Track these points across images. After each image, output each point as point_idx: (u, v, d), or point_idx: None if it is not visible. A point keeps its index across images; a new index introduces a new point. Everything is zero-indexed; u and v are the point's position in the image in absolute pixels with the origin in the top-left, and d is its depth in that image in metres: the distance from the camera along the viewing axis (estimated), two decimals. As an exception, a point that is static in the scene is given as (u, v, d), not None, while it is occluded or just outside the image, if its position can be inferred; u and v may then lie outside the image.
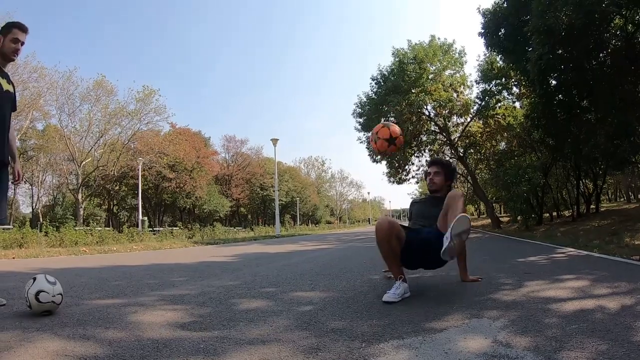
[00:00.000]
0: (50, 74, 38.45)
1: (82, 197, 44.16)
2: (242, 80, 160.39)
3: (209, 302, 4.04)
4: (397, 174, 37.11)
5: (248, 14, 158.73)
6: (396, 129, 4.58)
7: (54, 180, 57.05)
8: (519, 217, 24.13)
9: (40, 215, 48.71)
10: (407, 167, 36.99)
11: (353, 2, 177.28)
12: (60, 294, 3.51)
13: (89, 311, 3.61)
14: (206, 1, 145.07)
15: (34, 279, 3.47)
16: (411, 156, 35.90)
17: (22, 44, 4.16)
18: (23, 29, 4.13)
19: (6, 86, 4.13)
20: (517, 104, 29.37)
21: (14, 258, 10.85)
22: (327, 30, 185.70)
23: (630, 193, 44.81)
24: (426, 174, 4.99)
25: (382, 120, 33.43)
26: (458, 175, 48.62)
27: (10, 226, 22.00)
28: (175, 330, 2.94)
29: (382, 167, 37.07)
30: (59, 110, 41.90)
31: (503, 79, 27.83)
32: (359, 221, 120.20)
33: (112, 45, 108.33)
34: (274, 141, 35.76)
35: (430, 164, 5.11)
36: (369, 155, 36.18)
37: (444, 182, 4.80)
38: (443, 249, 3.71)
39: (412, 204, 5.09)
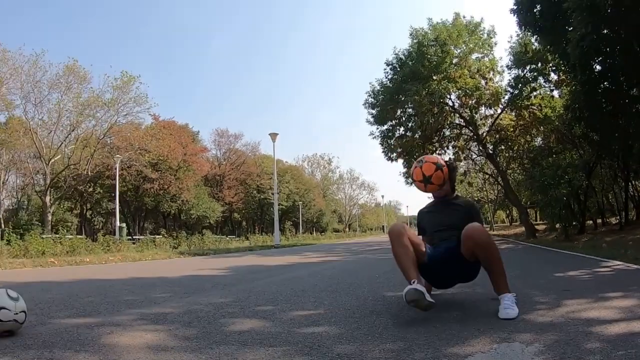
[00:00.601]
0: (13, 58, 38.60)
1: (50, 200, 44.13)
2: (239, 68, 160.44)
3: (196, 322, 4.03)
4: (416, 174, 36.74)
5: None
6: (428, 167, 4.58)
7: (18, 181, 57.17)
8: (557, 225, 23.98)
9: (2, 221, 48.68)
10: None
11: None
12: (24, 312, 3.50)
13: (57, 331, 3.61)
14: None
15: (-6, 294, 3.45)
16: (432, 153, 34.13)
17: None
18: None
19: None
20: (556, 93, 29.24)
21: (-30, 270, 10.90)
22: (337, 10, 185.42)
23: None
24: None
25: (399, 111, 33.43)
26: (487, 176, 48.63)
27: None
28: (156, 354, 2.94)
29: (399, 166, 36.85)
30: (23, 100, 41.86)
31: (539, 64, 27.61)
32: (372, 229, 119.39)
33: (85, 25, 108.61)
34: (273, 136, 35.05)
35: None
36: (382, 152, 36.20)
37: (449, 185, 4.85)
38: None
39: (421, 216, 5.13)
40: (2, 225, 41.39)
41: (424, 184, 4.53)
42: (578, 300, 4.71)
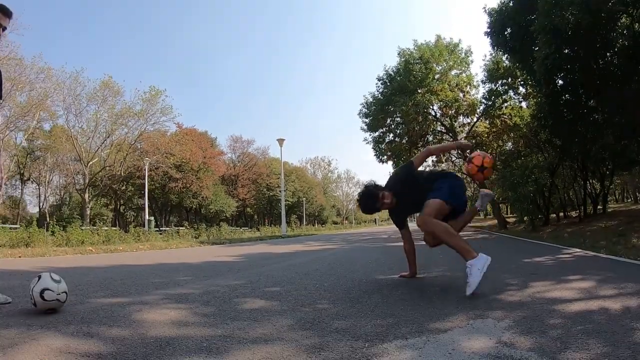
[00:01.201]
0: (57, 75, 38.73)
1: (89, 197, 44.29)
2: (252, 82, 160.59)
3: (213, 301, 4.03)
4: (403, 175, 36.90)
5: (259, 16, 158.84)
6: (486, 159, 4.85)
7: (60, 180, 57.40)
8: (525, 218, 23.98)
9: (47, 215, 48.86)
10: (413, 167, 36.75)
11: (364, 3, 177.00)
12: (65, 292, 3.51)
13: (94, 309, 3.61)
14: (216, 3, 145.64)
15: (39, 277, 3.46)
16: None
17: (4, 28, 3.99)
18: (6, 13, 3.91)
19: None
20: (524, 104, 29.39)
21: (20, 257, 10.88)
22: (338, 34, 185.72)
23: (637, 193, 44.73)
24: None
25: (388, 120, 33.80)
26: (465, 176, 48.57)
27: (17, 225, 22.11)
28: (178, 328, 2.94)
29: (389, 167, 37.11)
30: (66, 111, 42.21)
31: (509, 79, 27.92)
32: (365, 221, 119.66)
33: (119, 46, 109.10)
34: (280, 141, 35.58)
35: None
36: (375, 155, 36.56)
37: None
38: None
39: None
40: (48, 219, 41.45)
41: (478, 170, 4.81)
42: (543, 282, 4.77)
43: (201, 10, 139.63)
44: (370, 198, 5.08)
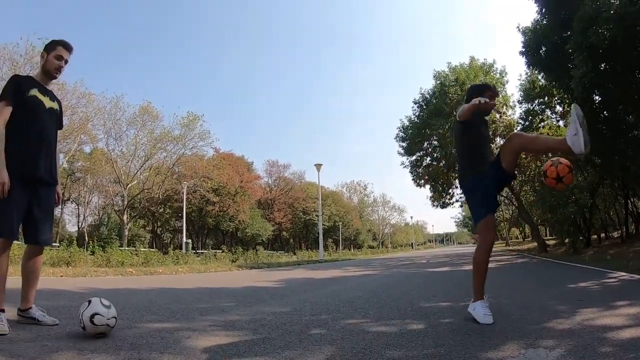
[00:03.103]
0: (98, 100, 39.63)
1: (127, 218, 44.95)
2: (285, 107, 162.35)
3: (261, 328, 4.00)
4: (440, 197, 37.11)
5: (299, 46, 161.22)
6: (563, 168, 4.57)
7: (99, 201, 58.40)
8: (566, 240, 23.59)
9: (86, 235, 49.71)
10: (450, 190, 36.95)
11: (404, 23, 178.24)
12: (115, 317, 3.55)
13: (142, 335, 3.63)
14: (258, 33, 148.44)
15: (89, 301, 3.50)
16: (454, 179, 35.25)
17: (66, 62, 4.21)
18: (68, 47, 4.18)
19: (49, 104, 4.15)
20: (561, 123, 28.82)
21: (62, 276, 11.05)
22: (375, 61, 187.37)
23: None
24: (485, 94, 4.79)
25: (425, 143, 33.72)
26: (503, 198, 48.28)
27: (57, 244, 22.48)
28: (230, 357, 2.92)
29: (426, 191, 37.05)
30: (106, 135, 43.09)
31: (546, 98, 27.36)
32: (402, 245, 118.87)
33: (159, 77, 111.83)
34: (318, 166, 35.95)
35: (488, 87, 5.06)
36: (412, 179, 36.45)
37: None
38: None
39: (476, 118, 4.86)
40: (86, 238, 42.16)
41: (556, 182, 4.52)
42: (591, 309, 4.66)
43: (242, 40, 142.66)
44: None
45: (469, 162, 4.70)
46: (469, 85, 27.31)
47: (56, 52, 4.10)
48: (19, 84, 3.97)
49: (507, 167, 4.40)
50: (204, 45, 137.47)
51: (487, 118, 5.10)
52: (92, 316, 3.40)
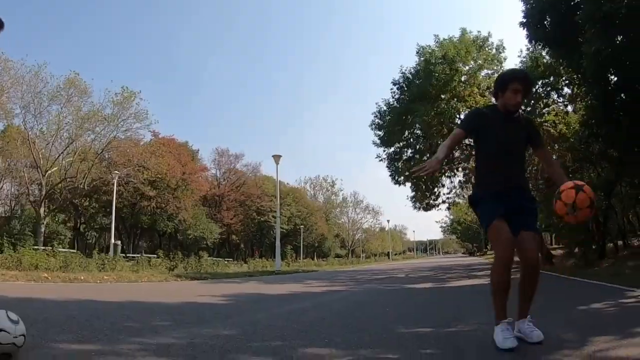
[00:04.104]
0: (15, 68, 39.03)
1: (44, 211, 44.15)
2: (237, 87, 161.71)
3: (201, 356, 3.97)
4: (424, 198, 36.94)
5: (246, 13, 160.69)
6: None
7: (12, 189, 57.23)
8: (576, 250, 23.59)
9: (-6, 229, 48.83)
10: (436, 190, 36.95)
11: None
12: (23, 335, 3.49)
13: (56, 357, 3.60)
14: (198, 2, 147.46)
15: (-7, 314, 3.41)
16: (441, 176, 35.34)
17: None
18: None
19: None
20: (570, 108, 28.42)
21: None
22: (335, 26, 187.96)
23: None
24: (503, 89, 4.64)
25: (406, 132, 33.32)
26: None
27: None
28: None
29: (406, 189, 36.76)
30: (23, 110, 42.18)
31: (551, 78, 26.82)
32: (376, 255, 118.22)
33: (86, 40, 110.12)
34: (276, 158, 34.89)
35: (514, 78, 4.70)
36: (389, 175, 36.13)
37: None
38: None
39: (485, 119, 4.77)
40: (-5, 233, 41.44)
41: (568, 209, 4.19)
42: (605, 337, 4.54)
43: (200, 17, 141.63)
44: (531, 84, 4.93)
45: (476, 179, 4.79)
46: (458, 64, 27.13)
47: None
48: None
49: None
50: (156, 22, 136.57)
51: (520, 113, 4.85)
52: (-4, 333, 3.31)
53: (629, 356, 3.69)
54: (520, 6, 19.11)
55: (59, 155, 44.93)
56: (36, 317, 5.53)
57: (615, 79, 16.08)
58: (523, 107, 29.43)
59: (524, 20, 18.85)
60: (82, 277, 14.72)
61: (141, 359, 3.74)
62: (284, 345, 4.56)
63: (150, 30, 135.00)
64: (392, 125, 33.38)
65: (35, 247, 21.93)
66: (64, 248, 29.21)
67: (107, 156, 47.39)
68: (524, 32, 19.37)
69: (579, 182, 4.26)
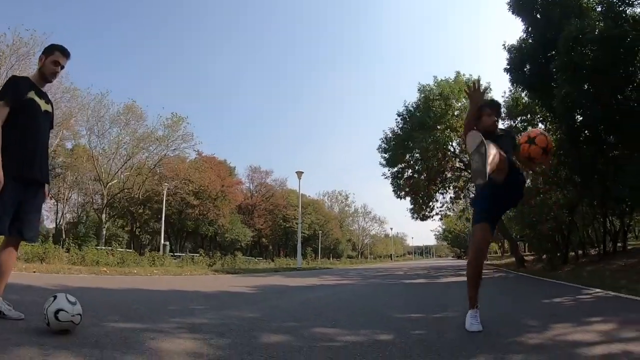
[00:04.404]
0: (82, 96, 39.72)
1: (106, 217, 44.67)
2: (270, 113, 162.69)
3: (228, 333, 3.98)
4: (421, 210, 37.21)
5: (290, 54, 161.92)
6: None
7: (79, 199, 57.76)
8: (544, 256, 23.78)
9: (64, 232, 49.23)
10: (431, 203, 37.22)
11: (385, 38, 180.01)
12: (80, 314, 3.50)
13: (107, 333, 3.59)
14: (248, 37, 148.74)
15: (55, 297, 3.46)
16: (435, 193, 36.31)
17: (62, 67, 4.32)
18: (65, 53, 4.29)
19: (45, 106, 4.25)
20: (544, 141, 28.92)
21: (34, 272, 10.91)
22: (359, 64, 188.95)
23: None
24: (484, 113, 4.82)
25: (407, 156, 33.95)
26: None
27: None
28: (193, 360, 2.90)
29: (406, 203, 37.34)
30: (88, 131, 43.07)
31: (528, 115, 27.57)
32: (381, 257, 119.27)
33: (141, 71, 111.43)
34: (299, 174, 36.25)
35: (485, 105, 4.94)
36: (393, 190, 36.74)
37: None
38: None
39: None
40: (64, 235, 41.76)
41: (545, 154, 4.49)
42: (563, 325, 4.68)
43: (233, 43, 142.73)
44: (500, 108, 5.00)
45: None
46: (452, 101, 27.46)
47: (53, 57, 4.21)
48: (17, 85, 4.08)
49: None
50: (195, 47, 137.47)
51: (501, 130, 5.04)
52: (57, 312, 3.35)
53: (582, 340, 3.79)
54: (505, 55, 19.47)
55: (118, 170, 45.29)
56: (93, 302, 5.57)
57: (581, 118, 16.28)
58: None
59: (508, 67, 19.24)
60: (135, 271, 14.76)
61: (178, 335, 3.74)
62: (297, 326, 4.59)
63: (190, 56, 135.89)
64: (395, 149, 34.26)
65: (97, 247, 22.08)
66: (121, 248, 29.34)
67: (158, 171, 47.65)
68: (507, 77, 19.79)
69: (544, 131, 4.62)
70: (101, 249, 21.53)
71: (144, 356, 2.91)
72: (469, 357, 3.17)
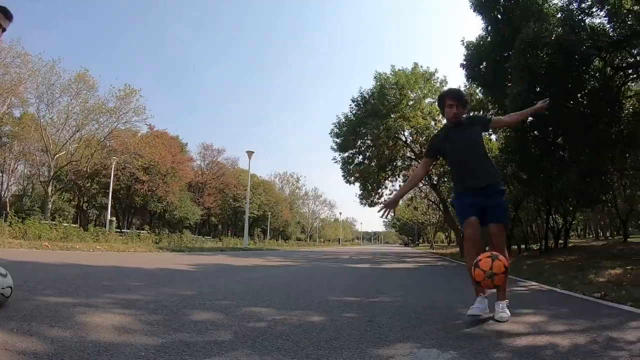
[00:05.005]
0: (33, 62, 38.31)
1: (52, 190, 43.41)
2: (224, 91, 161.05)
3: (160, 309, 4.03)
4: (369, 196, 37.29)
5: (245, 30, 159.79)
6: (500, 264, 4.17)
7: (25, 170, 56.21)
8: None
9: (8, 205, 47.90)
10: (380, 190, 37.30)
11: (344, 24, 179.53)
12: (10, 287, 3.49)
13: (38, 307, 3.59)
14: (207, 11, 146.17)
15: (-16, 269, 3.42)
16: (385, 180, 36.61)
17: (4, 30, 3.99)
18: (8, 15, 3.93)
19: None
20: (493, 137, 29.42)
21: (-29, 245, 10.70)
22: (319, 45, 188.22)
23: (599, 230, 45.60)
24: (442, 106, 4.81)
25: (359, 142, 33.99)
26: (431, 203, 49.23)
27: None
28: (120, 334, 2.94)
29: (356, 188, 37.37)
30: (37, 99, 41.59)
31: (481, 112, 27.96)
32: (330, 240, 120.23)
33: (96, 40, 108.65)
34: (249, 153, 36.22)
35: (446, 95, 4.87)
36: (342, 175, 36.85)
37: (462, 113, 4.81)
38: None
39: (440, 141, 4.95)
40: (8, 208, 40.72)
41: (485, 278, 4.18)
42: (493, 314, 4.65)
43: (190, 17, 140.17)
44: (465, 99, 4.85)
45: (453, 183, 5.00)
46: (407, 91, 27.64)
47: None
48: None
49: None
50: (147, 15, 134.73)
51: (464, 119, 4.89)
52: (-14, 285, 3.33)
53: (510, 330, 3.84)
54: (463, 50, 19.73)
55: (67, 141, 44.07)
56: (29, 277, 5.54)
57: (531, 119, 16.59)
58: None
59: (464, 63, 19.48)
60: (78, 247, 14.59)
61: (109, 310, 3.76)
62: (231, 304, 4.64)
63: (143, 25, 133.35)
64: (347, 135, 34.16)
65: (42, 221, 21.64)
66: (67, 223, 28.83)
67: (108, 144, 46.53)
68: (463, 72, 19.93)
69: (494, 252, 4.30)
70: (45, 223, 21.10)
71: (72, 330, 2.93)
72: (395, 342, 3.22)
